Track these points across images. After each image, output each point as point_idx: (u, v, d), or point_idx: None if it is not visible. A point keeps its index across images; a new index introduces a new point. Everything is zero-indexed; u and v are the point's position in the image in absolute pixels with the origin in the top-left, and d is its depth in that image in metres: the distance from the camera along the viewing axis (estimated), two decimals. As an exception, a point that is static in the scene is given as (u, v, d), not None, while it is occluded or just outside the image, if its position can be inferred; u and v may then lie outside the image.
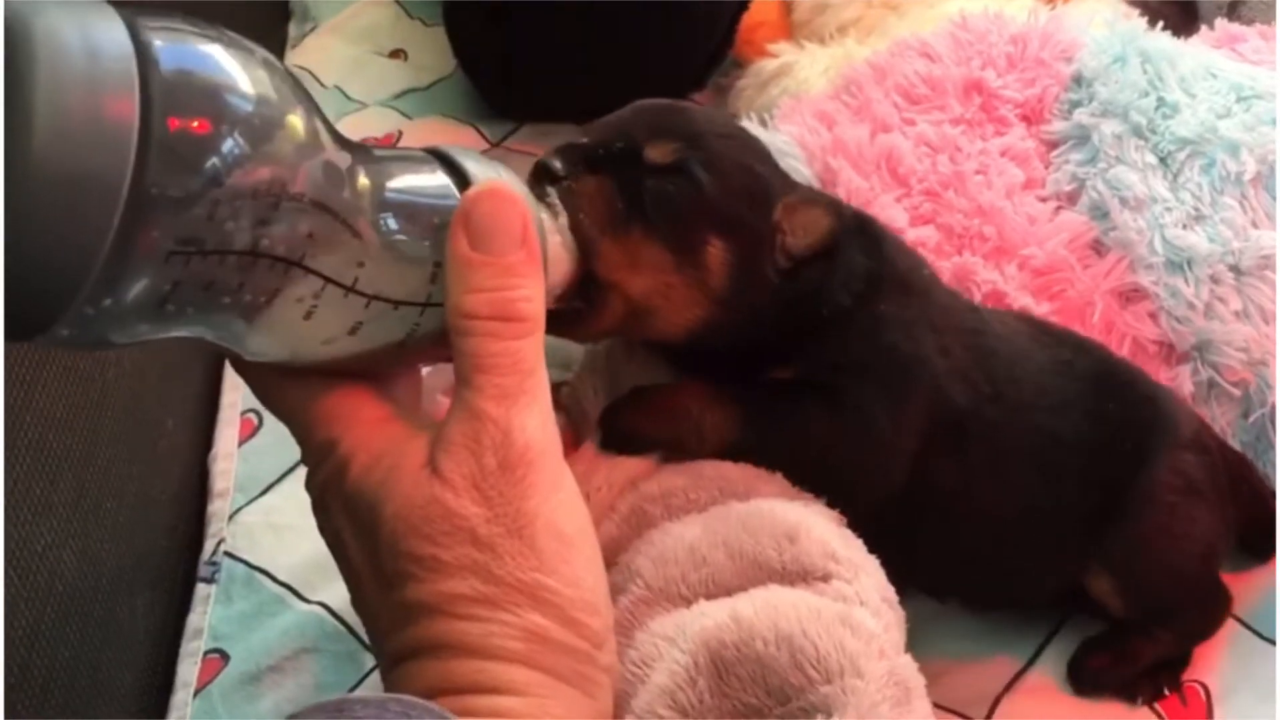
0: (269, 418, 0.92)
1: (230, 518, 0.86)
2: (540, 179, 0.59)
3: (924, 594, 0.78)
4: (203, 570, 0.83)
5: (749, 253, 0.64)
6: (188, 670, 0.78)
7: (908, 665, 0.55)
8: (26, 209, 0.33)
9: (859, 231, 0.70)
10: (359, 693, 0.74)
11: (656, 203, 0.61)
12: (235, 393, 0.94)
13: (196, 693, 0.77)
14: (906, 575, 0.64)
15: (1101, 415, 0.75)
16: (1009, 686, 0.77)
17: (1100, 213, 0.88)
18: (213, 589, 0.82)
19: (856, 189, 0.86)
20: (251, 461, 0.90)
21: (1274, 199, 0.86)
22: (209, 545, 0.85)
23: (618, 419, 0.66)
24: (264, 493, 0.88)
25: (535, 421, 0.46)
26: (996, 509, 0.73)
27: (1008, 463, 0.72)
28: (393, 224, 0.45)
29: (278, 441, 0.90)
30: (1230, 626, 0.80)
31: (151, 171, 0.35)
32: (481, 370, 0.46)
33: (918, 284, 0.71)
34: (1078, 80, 0.94)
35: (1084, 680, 0.77)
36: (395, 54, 1.34)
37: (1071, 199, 0.90)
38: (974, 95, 0.94)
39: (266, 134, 0.38)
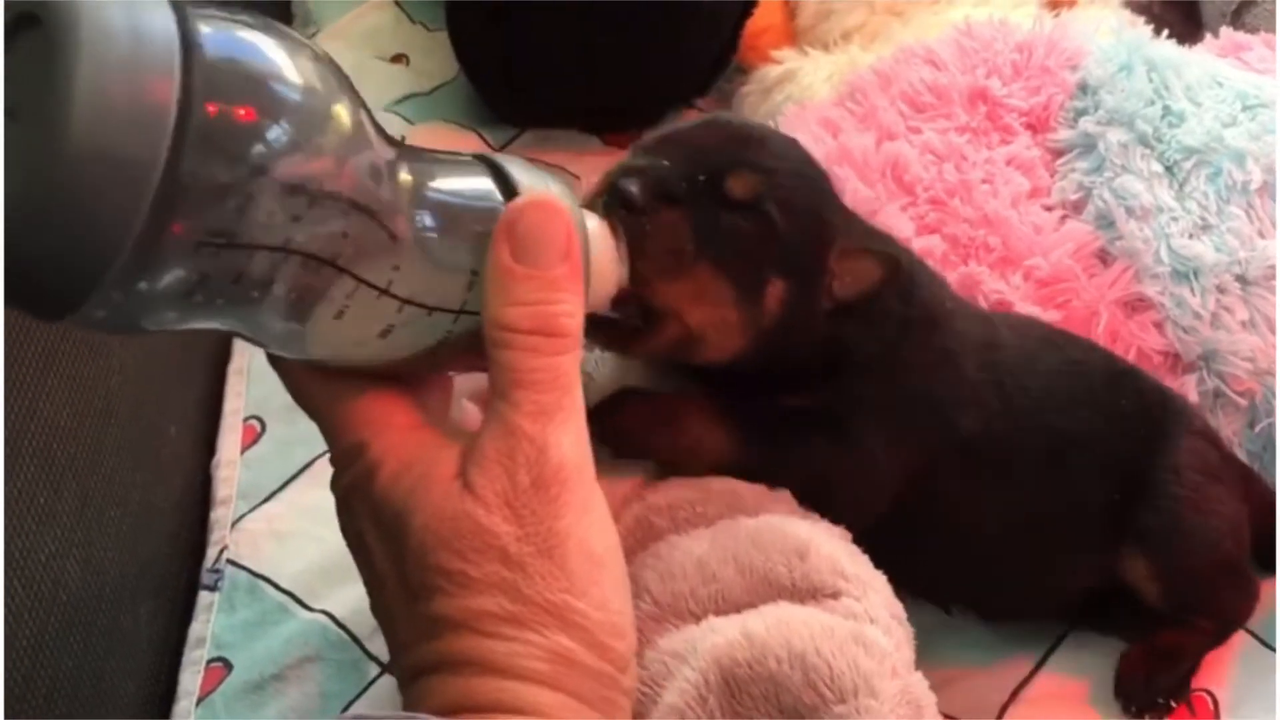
0: (272, 424, 0.92)
1: (233, 525, 0.86)
2: (615, 201, 0.57)
3: (934, 605, 0.78)
4: (205, 578, 0.83)
5: (804, 294, 0.64)
6: (190, 679, 0.77)
7: (919, 683, 0.55)
8: (59, 187, 0.33)
9: (900, 280, 0.69)
10: (359, 708, 0.74)
11: (730, 240, 0.61)
12: (238, 400, 0.94)
13: (199, 702, 0.76)
14: (919, 588, 0.64)
15: (1113, 409, 0.75)
16: (1014, 695, 0.77)
17: (1106, 222, 0.88)
18: (215, 597, 0.82)
19: (863, 198, 0.86)
20: (254, 469, 0.89)
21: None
22: (211, 553, 0.84)
23: (615, 418, 0.65)
24: (267, 500, 0.87)
25: (570, 439, 0.46)
26: (1013, 513, 0.73)
27: (1019, 468, 0.72)
28: (432, 227, 0.44)
29: (280, 448, 0.90)
30: (1239, 637, 0.80)
31: (187, 158, 0.34)
32: (519, 385, 0.45)
33: (939, 317, 0.71)
34: (1083, 88, 0.94)
35: (1130, 694, 0.76)
36: (397, 59, 1.33)
37: (1077, 208, 0.90)
38: (979, 104, 0.94)
39: (308, 127, 0.38)
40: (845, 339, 0.66)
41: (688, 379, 0.68)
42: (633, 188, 0.57)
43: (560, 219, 0.46)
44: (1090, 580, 0.77)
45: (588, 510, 0.46)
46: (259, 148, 0.36)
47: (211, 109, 0.35)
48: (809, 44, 1.18)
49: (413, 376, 0.50)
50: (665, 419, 0.66)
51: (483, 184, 0.46)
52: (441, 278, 0.45)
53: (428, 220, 0.43)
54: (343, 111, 0.39)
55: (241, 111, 0.36)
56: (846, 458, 0.67)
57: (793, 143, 0.68)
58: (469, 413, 0.54)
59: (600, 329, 0.60)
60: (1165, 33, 1.00)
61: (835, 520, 0.66)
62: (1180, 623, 0.77)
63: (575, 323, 0.46)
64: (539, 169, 0.48)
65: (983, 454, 0.70)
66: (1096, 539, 0.75)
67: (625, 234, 0.55)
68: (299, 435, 0.90)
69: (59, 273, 0.34)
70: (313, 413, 0.49)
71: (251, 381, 0.95)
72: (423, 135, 1.21)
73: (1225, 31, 1.05)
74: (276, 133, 0.37)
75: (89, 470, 0.72)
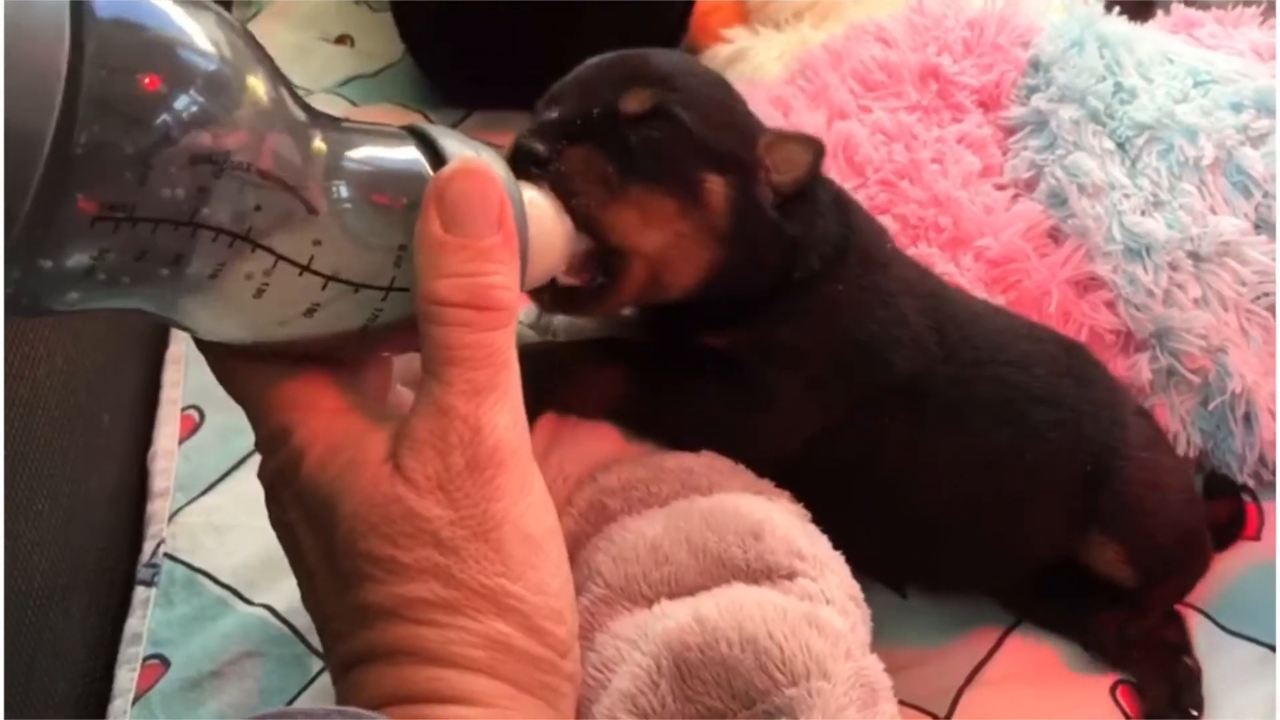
0: (211, 414, 0.90)
1: (170, 518, 0.83)
2: (522, 162, 0.56)
3: (887, 584, 0.77)
4: (141, 573, 0.80)
5: (744, 187, 0.63)
6: (126, 677, 0.75)
7: (874, 666, 0.54)
8: None
9: (832, 195, 0.70)
10: (302, 704, 0.72)
11: (646, 153, 0.60)
12: (175, 389, 0.91)
13: (135, 700, 0.74)
14: (873, 561, 0.63)
15: (1080, 374, 0.75)
16: (969, 679, 0.76)
17: (1058, 200, 0.88)
18: (152, 592, 0.79)
19: (815, 176, 0.85)
20: (193, 460, 0.87)
21: (1232, 185, 0.86)
22: (148, 547, 0.82)
23: None
24: (205, 492, 0.85)
25: (506, 420, 0.44)
26: (970, 465, 0.72)
27: (970, 417, 0.71)
28: (353, 199, 0.42)
29: (220, 439, 0.88)
30: (1191, 618, 0.80)
31: (78, 128, 0.32)
32: (452, 363, 0.43)
33: (879, 256, 0.71)
34: (1035, 65, 0.94)
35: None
36: (341, 40, 1.31)
37: (1029, 186, 0.89)
38: (930, 82, 0.93)
39: (213, 94, 0.36)
40: (795, 246, 0.66)
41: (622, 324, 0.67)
42: (533, 142, 0.57)
43: (491, 185, 0.44)
44: (1050, 549, 0.76)
45: (525, 492, 0.45)
46: (159, 115, 0.34)
47: (105, 75, 0.33)
48: (760, 23, 1.18)
49: (346, 359, 0.48)
50: (553, 367, 0.65)
51: (408, 153, 0.44)
52: (367, 252, 0.43)
53: (347, 192, 0.41)
54: (252, 79, 0.37)
55: (139, 77, 0.34)
56: (745, 398, 0.66)
57: (676, 53, 0.68)
58: (404, 398, 0.52)
59: (567, 298, 0.60)
60: (1117, 9, 0.99)
61: (735, 457, 0.65)
62: (1149, 594, 0.77)
63: (510, 295, 0.44)
64: (470, 140, 0.46)
65: (927, 398, 0.69)
66: (1064, 503, 0.74)
67: (550, 187, 0.54)
68: (239, 425, 0.86)
69: None
70: (239, 397, 0.48)
71: (190, 370, 0.92)
72: (368, 117, 1.16)
73: (1177, 8, 1.05)
74: (178, 100, 0.35)
75: (16, 461, 0.70)
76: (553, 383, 0.64)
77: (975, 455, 0.71)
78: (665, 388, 0.66)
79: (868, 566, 0.66)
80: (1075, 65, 0.91)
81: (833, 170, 0.87)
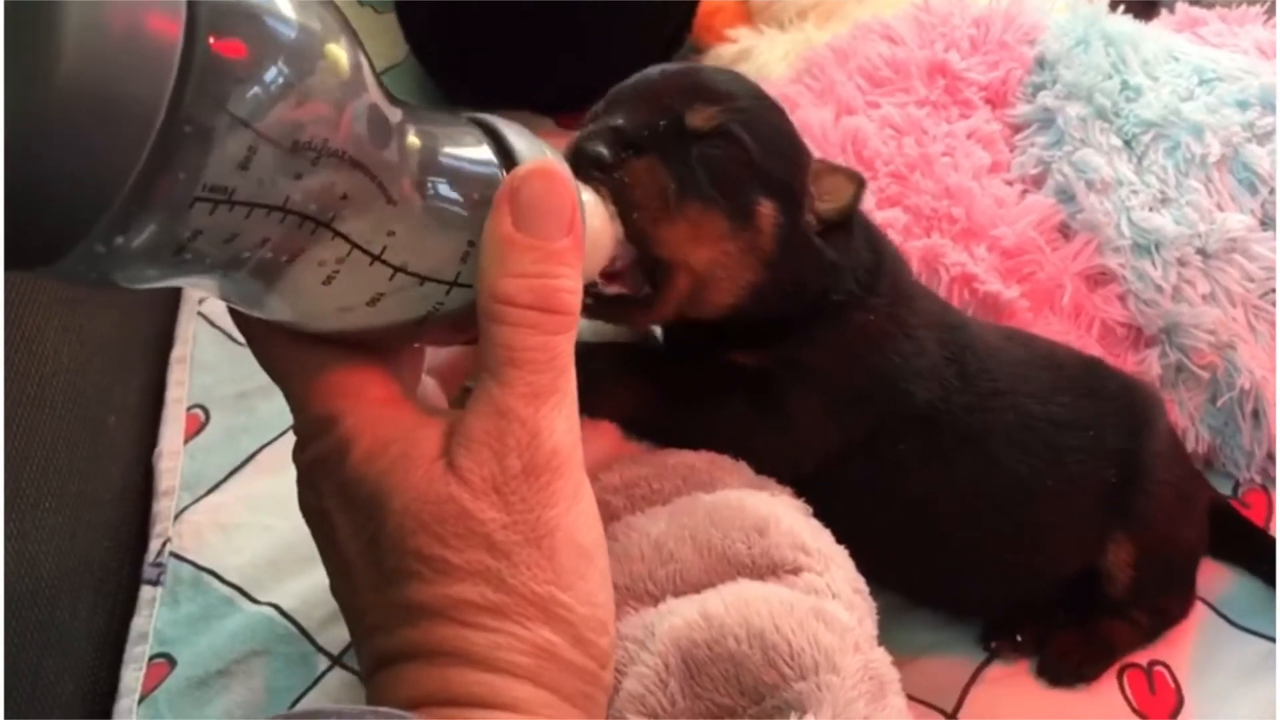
0: (216, 414, 0.89)
1: (176, 517, 0.83)
2: (584, 164, 0.56)
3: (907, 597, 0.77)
4: (147, 572, 0.80)
5: (792, 213, 0.64)
6: (132, 676, 0.75)
7: (882, 658, 0.54)
8: (45, 131, 0.29)
9: (863, 226, 0.70)
10: (308, 703, 0.71)
11: (707, 171, 0.60)
12: (180, 388, 0.91)
13: (141, 699, 0.73)
14: (891, 580, 0.63)
15: (1100, 391, 0.75)
16: (976, 675, 0.76)
17: (1066, 196, 0.87)
18: (158, 591, 0.79)
19: (822, 172, 0.85)
20: (198, 459, 0.86)
21: (1238, 182, 0.86)
22: (154, 546, 0.81)
23: None
24: (211, 491, 0.85)
25: (564, 425, 0.43)
26: (992, 495, 0.71)
27: (993, 444, 0.71)
28: (434, 193, 0.41)
29: (225, 438, 0.88)
30: (1199, 610, 0.80)
31: (189, 102, 0.31)
32: (514, 364, 0.42)
33: (907, 286, 0.71)
34: (1041, 63, 0.94)
35: (1055, 674, 0.76)
36: (345, 41, 1.31)
37: (1037, 182, 0.89)
38: (938, 78, 0.93)
39: (322, 77, 0.34)
40: (833, 271, 0.66)
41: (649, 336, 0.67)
42: (599, 146, 0.57)
43: (564, 188, 0.43)
44: (1080, 563, 0.76)
45: (577, 500, 0.44)
46: (268, 95, 0.33)
47: (219, 47, 0.31)
48: (764, 23, 1.18)
49: (384, 347, 0.47)
50: (580, 365, 0.64)
51: (482, 148, 0.44)
52: (437, 246, 0.42)
53: (426, 184, 0.41)
54: (355, 63, 0.36)
55: (251, 51, 0.32)
56: (764, 419, 0.66)
57: (734, 73, 0.68)
58: (429, 388, 0.52)
59: (611, 306, 0.60)
60: (1121, 8, 0.99)
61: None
62: (1121, 614, 0.76)
63: (575, 300, 0.44)
64: (534, 136, 0.46)
65: (943, 428, 0.69)
66: (1097, 517, 0.74)
67: (609, 194, 0.54)
68: (244, 425, 0.88)
69: (44, 219, 0.31)
70: (279, 378, 0.46)
71: (195, 370, 0.92)
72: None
73: (1181, 7, 1.05)
74: (287, 79, 0.33)
75: (22, 460, 0.69)
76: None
77: (997, 485, 0.71)
78: (685, 399, 0.66)
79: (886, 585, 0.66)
80: (1081, 63, 0.91)
81: (842, 163, 0.86)
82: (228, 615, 0.77)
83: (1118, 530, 0.74)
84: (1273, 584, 0.80)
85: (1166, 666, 0.77)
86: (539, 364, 0.43)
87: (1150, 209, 0.85)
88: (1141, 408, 0.77)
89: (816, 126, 0.88)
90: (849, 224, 0.67)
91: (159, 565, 0.80)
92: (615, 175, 0.56)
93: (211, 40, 0.31)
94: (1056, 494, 0.72)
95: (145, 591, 0.79)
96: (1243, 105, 0.88)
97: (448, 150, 0.42)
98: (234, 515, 0.83)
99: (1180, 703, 0.75)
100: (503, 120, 0.45)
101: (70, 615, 0.74)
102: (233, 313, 0.44)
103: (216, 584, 0.79)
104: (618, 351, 0.67)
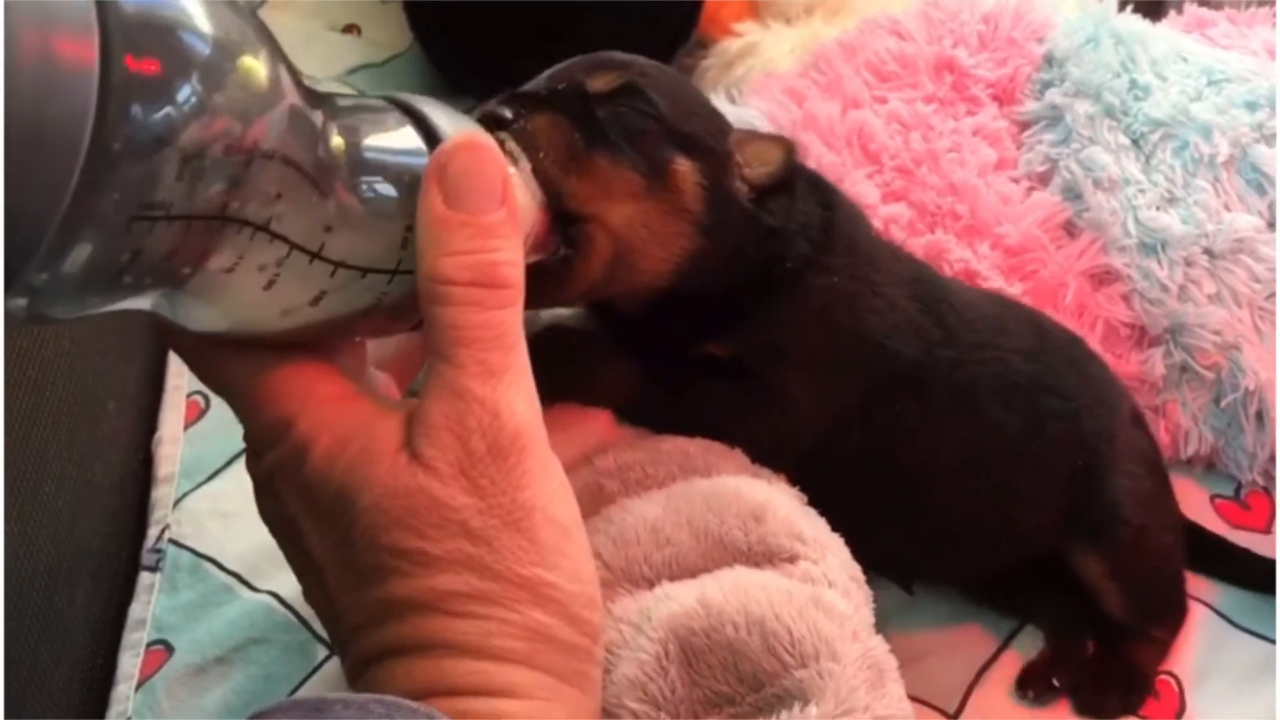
0: (216, 401, 0.89)
1: (175, 504, 0.83)
2: (490, 127, 0.55)
3: (892, 579, 0.76)
4: (146, 558, 0.80)
5: (716, 175, 0.63)
6: (129, 662, 0.75)
7: (880, 646, 0.54)
8: None
9: (811, 182, 0.69)
10: (307, 691, 0.71)
11: (614, 125, 0.59)
12: (180, 375, 0.91)
13: (139, 686, 0.73)
14: (877, 552, 0.63)
15: (1079, 366, 0.75)
16: (979, 677, 0.76)
17: (1073, 194, 0.87)
18: (157, 578, 0.79)
19: (828, 164, 0.85)
20: (198, 446, 0.86)
21: (1246, 182, 0.86)
22: (153, 532, 0.81)
23: None
24: (211, 478, 0.84)
25: (523, 403, 0.43)
26: (978, 454, 0.71)
27: (983, 401, 0.70)
28: (363, 183, 0.41)
29: (225, 425, 0.86)
30: (1199, 612, 0.80)
31: (113, 123, 0.30)
32: (463, 344, 0.42)
33: (864, 243, 0.70)
34: (1049, 61, 0.94)
35: (1097, 707, 0.74)
36: (349, 29, 1.30)
37: (1044, 180, 0.89)
38: (945, 74, 0.93)
39: (243, 83, 0.34)
40: (777, 236, 0.65)
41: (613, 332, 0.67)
42: (502, 109, 0.56)
43: (491, 160, 0.43)
44: (1043, 541, 0.75)
45: (548, 478, 0.43)
46: (191, 107, 0.32)
47: (136, 66, 0.31)
48: (771, 18, 1.17)
49: (324, 345, 0.46)
50: (565, 354, 0.64)
51: (406, 130, 0.43)
52: (375, 236, 0.42)
53: (358, 177, 0.41)
54: (274, 67, 0.36)
55: (168, 67, 0.32)
56: (756, 404, 0.66)
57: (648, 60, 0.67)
58: (378, 381, 0.51)
59: (529, 280, 0.59)
60: (1130, 7, 0.99)
61: (752, 459, 0.65)
62: (1140, 635, 0.76)
63: (516, 273, 0.43)
64: (456, 111, 0.45)
65: (934, 385, 0.69)
66: (1057, 496, 0.73)
67: (515, 141, 0.54)
68: (245, 412, 0.87)
69: None
70: (222, 389, 0.45)
71: (195, 357, 0.92)
72: (376, 107, 1.18)
73: (1189, 7, 1.05)
74: (209, 89, 0.33)
75: (21, 445, 0.69)
76: (563, 371, 0.63)
77: (983, 444, 0.71)
78: (679, 387, 0.65)
79: (875, 563, 0.65)
80: (1090, 61, 0.91)
81: (847, 158, 0.86)
82: (226, 602, 0.77)
83: (1080, 544, 0.74)
84: (1258, 589, 0.80)
85: (1169, 671, 0.77)
86: (486, 341, 0.42)
87: (1157, 208, 0.85)
88: (1113, 399, 0.76)
89: (823, 120, 0.87)
90: (788, 189, 0.66)
91: (158, 551, 0.80)
92: (518, 126, 0.55)
93: (128, 59, 0.31)
94: (1035, 460, 0.72)
95: (144, 578, 0.79)
96: (1251, 106, 0.88)
97: (372, 140, 0.42)
98: (233, 502, 0.82)
99: (1183, 707, 0.75)
100: (426, 99, 0.45)
101: (68, 601, 0.74)
102: (160, 328, 0.43)
103: (215, 571, 0.79)
104: (610, 341, 0.66)
